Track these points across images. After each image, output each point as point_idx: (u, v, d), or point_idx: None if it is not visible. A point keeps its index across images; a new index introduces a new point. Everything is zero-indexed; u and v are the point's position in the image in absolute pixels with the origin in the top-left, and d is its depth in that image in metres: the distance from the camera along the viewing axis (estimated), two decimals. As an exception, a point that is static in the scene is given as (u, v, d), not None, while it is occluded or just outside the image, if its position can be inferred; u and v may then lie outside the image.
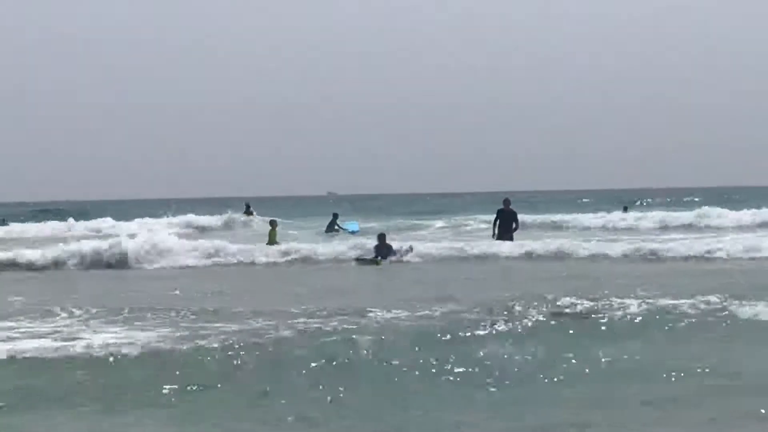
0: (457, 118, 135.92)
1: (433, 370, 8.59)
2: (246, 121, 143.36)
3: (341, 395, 7.69)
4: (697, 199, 61.91)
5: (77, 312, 12.82)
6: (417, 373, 8.52)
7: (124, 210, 62.31)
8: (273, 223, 27.78)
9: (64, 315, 12.66)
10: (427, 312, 12.39)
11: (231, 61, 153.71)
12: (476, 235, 31.91)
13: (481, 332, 10.54)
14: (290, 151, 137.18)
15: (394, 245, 24.81)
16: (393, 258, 24.06)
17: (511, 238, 25.38)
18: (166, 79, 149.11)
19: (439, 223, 43.64)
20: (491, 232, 26.14)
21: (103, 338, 10.51)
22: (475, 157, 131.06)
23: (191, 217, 43.90)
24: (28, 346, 10.03)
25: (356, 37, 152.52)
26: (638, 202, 60.90)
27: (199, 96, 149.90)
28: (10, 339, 10.64)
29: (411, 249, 24.46)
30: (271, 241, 26.65)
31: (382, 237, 25.19)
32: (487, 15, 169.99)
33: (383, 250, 24.46)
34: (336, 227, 37.18)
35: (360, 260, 24.03)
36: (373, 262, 23.74)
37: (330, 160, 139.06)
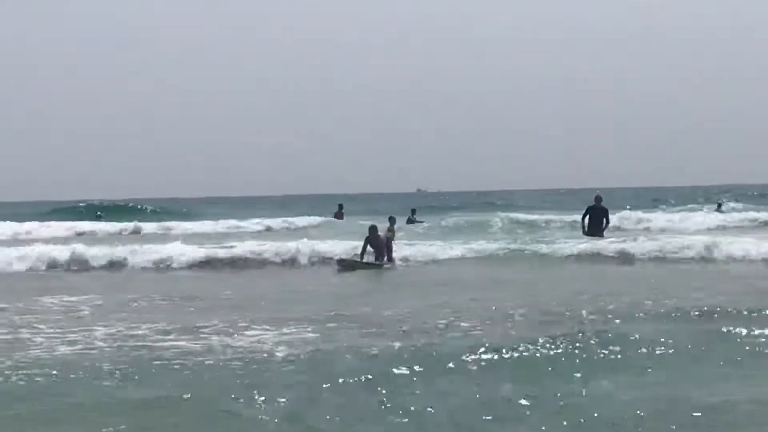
0: (538, 116, 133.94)
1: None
2: (335, 117, 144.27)
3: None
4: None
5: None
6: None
7: (218, 208, 63.19)
8: (391, 220, 27.85)
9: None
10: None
11: (322, 58, 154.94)
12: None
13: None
14: (381, 148, 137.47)
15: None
16: (386, 263, 21.67)
17: (601, 235, 25.77)
18: (256, 76, 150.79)
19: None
20: (581, 229, 26.59)
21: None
22: (556, 153, 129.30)
23: (301, 219, 44.37)
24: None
25: (460, 35, 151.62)
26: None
27: (295, 94, 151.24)
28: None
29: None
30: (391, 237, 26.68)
31: (373, 230, 22.58)
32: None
33: (378, 247, 22.00)
34: (414, 220, 39.01)
35: (344, 262, 21.66)
36: (357, 265, 21.32)
37: (419, 158, 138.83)
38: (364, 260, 21.82)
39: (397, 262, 22.07)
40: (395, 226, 27.90)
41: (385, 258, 21.94)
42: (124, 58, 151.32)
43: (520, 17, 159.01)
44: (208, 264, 22.38)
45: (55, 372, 8.86)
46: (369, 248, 22.09)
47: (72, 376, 8.67)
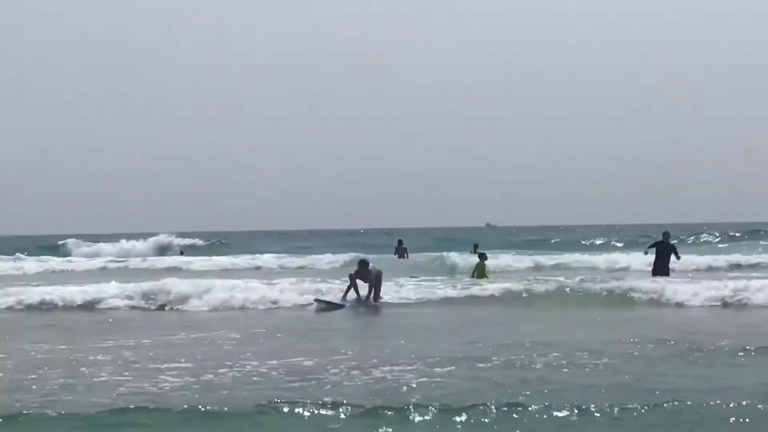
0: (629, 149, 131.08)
1: None
2: (399, 151, 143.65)
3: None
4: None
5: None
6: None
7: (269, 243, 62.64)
8: (482, 257, 26.91)
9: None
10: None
11: (386, 86, 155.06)
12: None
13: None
14: (449, 182, 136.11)
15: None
16: (372, 301, 20.35)
17: (668, 273, 24.14)
18: (319, 106, 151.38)
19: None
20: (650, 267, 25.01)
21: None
22: (625, 188, 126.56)
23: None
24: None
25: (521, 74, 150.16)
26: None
27: (356, 121, 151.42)
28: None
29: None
30: (480, 274, 25.66)
31: (362, 264, 21.17)
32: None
33: (369, 283, 20.46)
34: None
35: (322, 302, 20.41)
36: (334, 305, 20.04)
37: (489, 191, 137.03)
38: (347, 297, 20.44)
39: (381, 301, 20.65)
40: (486, 262, 26.76)
41: (371, 296, 20.50)
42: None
43: (594, 50, 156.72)
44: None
45: None
46: (361, 283, 20.64)
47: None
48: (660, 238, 25.15)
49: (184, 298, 20.87)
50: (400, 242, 39.92)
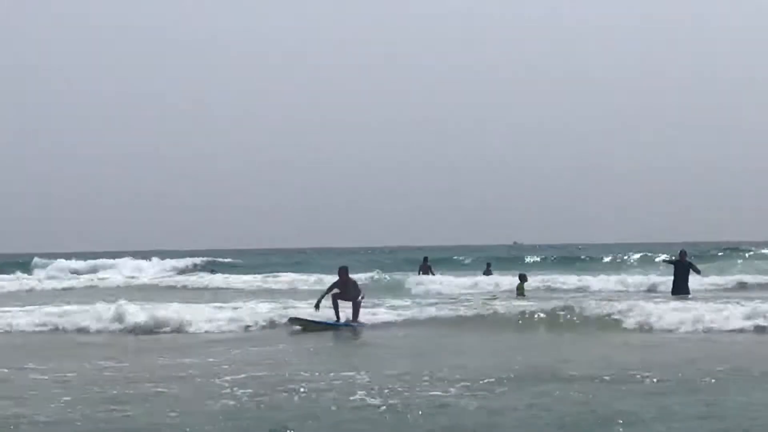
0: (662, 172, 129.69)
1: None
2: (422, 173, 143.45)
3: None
4: None
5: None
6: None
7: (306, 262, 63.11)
8: (522, 278, 28.07)
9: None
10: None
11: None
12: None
13: None
14: (472, 201, 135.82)
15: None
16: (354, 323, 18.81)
17: (687, 292, 24.67)
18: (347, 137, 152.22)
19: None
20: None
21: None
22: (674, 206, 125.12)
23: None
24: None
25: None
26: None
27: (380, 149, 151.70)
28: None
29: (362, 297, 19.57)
30: (521, 293, 27.15)
31: (343, 272, 19.50)
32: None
33: (347, 294, 19.04)
34: (491, 273, 38.65)
35: (299, 321, 18.85)
36: (313, 325, 18.54)
37: (515, 211, 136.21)
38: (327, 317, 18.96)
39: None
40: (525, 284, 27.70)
41: (351, 316, 19.14)
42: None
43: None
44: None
45: None
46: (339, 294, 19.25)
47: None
48: (677, 257, 25.61)
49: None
50: (425, 259, 40.04)
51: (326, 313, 19.20)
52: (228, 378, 12.05)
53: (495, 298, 25.65)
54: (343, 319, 19.15)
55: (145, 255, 61.02)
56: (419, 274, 38.23)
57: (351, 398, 10.38)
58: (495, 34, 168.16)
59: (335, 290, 19.28)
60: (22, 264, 55.79)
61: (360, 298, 19.42)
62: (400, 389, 10.91)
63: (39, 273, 51.92)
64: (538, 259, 62.79)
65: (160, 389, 11.37)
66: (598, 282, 35.15)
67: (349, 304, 19.37)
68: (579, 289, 32.88)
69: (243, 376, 12.25)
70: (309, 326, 18.70)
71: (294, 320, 19.08)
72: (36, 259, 59.73)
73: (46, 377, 12.59)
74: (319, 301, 19.06)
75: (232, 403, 10.27)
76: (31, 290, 37.52)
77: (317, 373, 12.32)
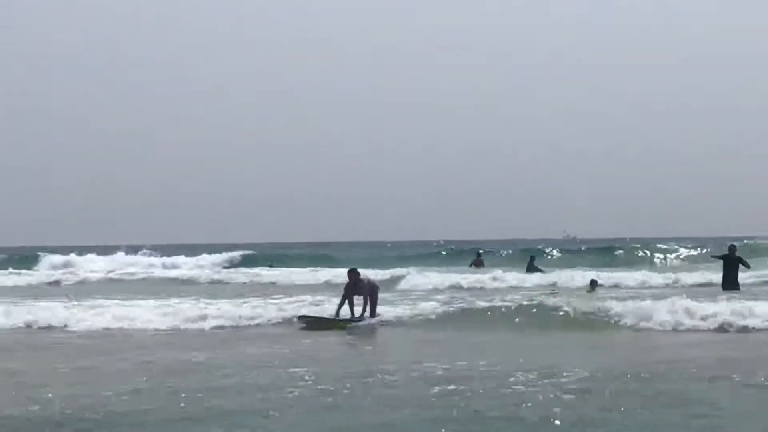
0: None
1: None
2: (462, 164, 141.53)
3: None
4: None
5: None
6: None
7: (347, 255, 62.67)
8: (593, 283, 27.61)
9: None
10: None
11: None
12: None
13: None
14: (522, 192, 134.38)
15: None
16: (367, 319, 17.98)
17: (737, 286, 24.98)
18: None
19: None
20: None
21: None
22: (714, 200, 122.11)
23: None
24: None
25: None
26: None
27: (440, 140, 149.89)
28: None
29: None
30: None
31: (353, 273, 18.63)
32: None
33: (362, 296, 18.29)
34: (535, 269, 36.61)
35: (307, 319, 18.07)
36: (324, 323, 17.75)
37: (569, 200, 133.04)
38: (341, 314, 18.29)
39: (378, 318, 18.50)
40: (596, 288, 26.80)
41: (368, 312, 18.47)
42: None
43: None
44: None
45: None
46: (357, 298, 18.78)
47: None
48: (726, 251, 25.83)
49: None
50: (478, 254, 41.35)
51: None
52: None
53: (555, 293, 24.71)
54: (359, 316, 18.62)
55: (164, 250, 59.08)
56: (471, 266, 39.09)
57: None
58: (567, 17, 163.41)
59: (347, 295, 18.79)
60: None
61: (375, 293, 18.92)
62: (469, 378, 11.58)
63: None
64: (587, 251, 61.91)
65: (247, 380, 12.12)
66: (662, 279, 33.78)
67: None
68: (640, 285, 31.60)
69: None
70: (322, 324, 18.06)
71: (303, 318, 18.45)
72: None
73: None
74: (337, 313, 18.53)
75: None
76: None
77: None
